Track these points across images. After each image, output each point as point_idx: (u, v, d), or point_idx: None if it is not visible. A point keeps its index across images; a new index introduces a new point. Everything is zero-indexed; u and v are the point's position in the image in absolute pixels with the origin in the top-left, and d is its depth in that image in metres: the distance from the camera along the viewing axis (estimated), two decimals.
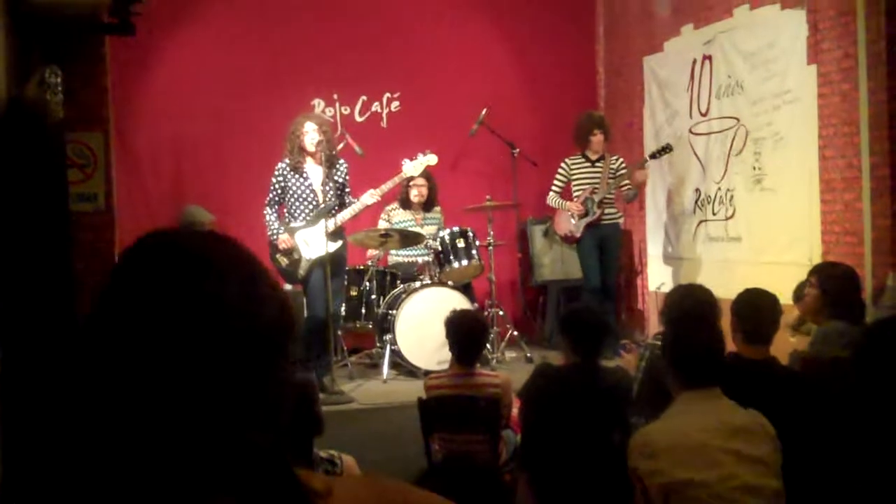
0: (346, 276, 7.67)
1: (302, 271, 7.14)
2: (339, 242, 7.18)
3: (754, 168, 7.50)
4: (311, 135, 7.07)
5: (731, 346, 4.14)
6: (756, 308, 4.12)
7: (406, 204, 8.49)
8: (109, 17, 4.77)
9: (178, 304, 1.05)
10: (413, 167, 7.57)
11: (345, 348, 8.02)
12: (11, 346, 3.28)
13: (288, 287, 7.34)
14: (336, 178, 7.19)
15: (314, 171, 7.16)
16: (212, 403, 1.03)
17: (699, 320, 3.75)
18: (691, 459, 3.11)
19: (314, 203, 7.15)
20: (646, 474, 3.13)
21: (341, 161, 7.32)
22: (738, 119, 7.69)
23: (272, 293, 1.12)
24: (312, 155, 7.13)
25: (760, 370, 3.92)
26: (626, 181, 8.27)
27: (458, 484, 2.07)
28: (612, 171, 8.30)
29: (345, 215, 7.14)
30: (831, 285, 4.91)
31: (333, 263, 7.09)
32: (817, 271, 5.10)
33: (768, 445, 3.23)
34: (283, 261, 7.18)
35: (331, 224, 7.04)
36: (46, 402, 3.43)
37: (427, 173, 8.25)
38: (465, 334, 4.78)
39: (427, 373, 6.48)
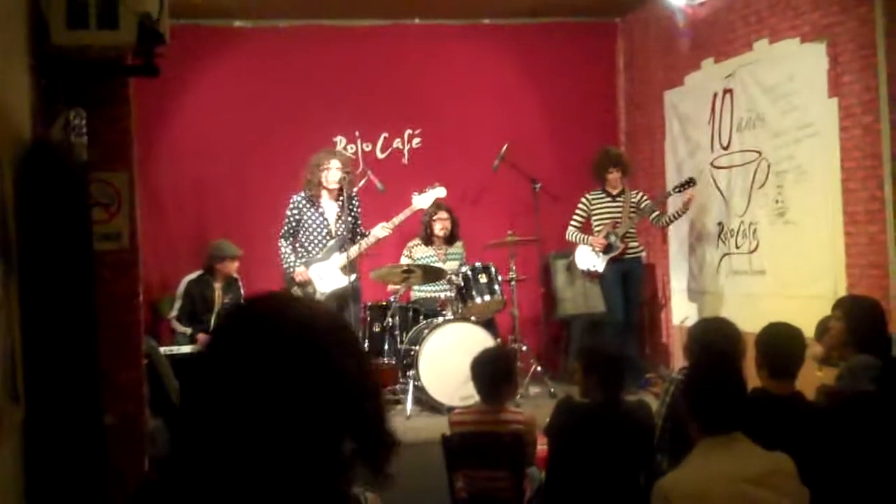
0: (360, 309, 7.64)
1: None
2: (353, 276, 7.20)
3: (777, 201, 7.48)
4: (333, 172, 7.17)
5: (755, 381, 4.12)
6: (780, 342, 4.09)
7: (428, 240, 8.52)
8: (133, 59, 4.82)
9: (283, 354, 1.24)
10: (423, 199, 7.60)
11: None
12: (36, 376, 3.30)
13: None
14: (351, 213, 7.29)
15: (329, 206, 7.26)
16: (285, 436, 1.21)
17: (720, 361, 3.62)
18: None
19: (328, 237, 7.25)
20: None
21: (355, 196, 7.40)
22: (759, 152, 7.67)
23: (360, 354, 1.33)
24: (330, 191, 7.21)
25: (786, 406, 3.88)
26: (656, 211, 8.28)
27: None
28: (634, 205, 8.29)
29: (357, 249, 7.17)
30: (856, 318, 4.85)
31: (348, 297, 7.14)
32: (842, 304, 5.05)
33: (793, 493, 3.12)
34: (299, 294, 7.22)
35: (344, 258, 7.11)
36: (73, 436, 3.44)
37: (447, 207, 8.35)
38: (490, 372, 4.74)
39: (451, 409, 6.45)
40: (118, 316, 4.72)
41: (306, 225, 7.30)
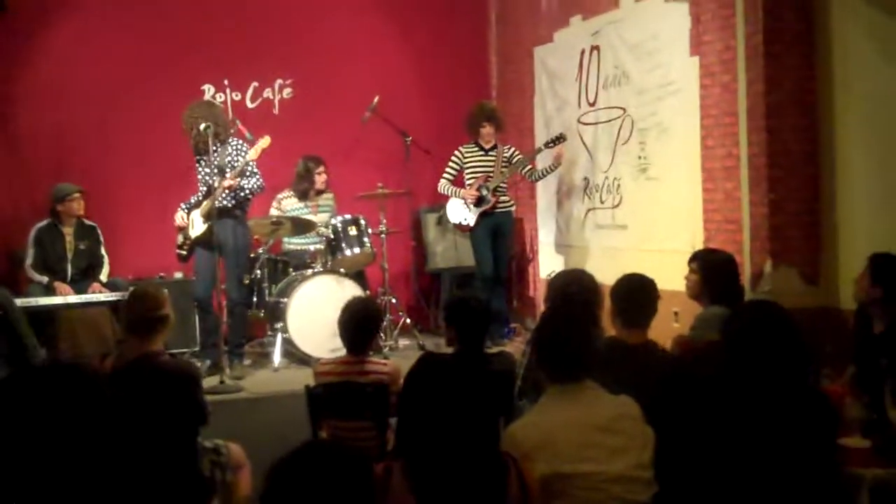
0: (237, 261, 7.49)
1: (185, 248, 7.44)
2: (206, 226, 7.21)
3: (640, 157, 7.66)
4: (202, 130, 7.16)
5: (612, 330, 4.25)
6: (633, 293, 4.22)
7: (304, 194, 8.47)
8: None
9: None
10: (253, 152, 7.45)
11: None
12: None
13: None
14: (226, 159, 7.24)
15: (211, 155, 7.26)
16: None
17: (566, 313, 3.67)
18: (562, 456, 3.07)
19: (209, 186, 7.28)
20: (521, 464, 3.06)
21: (232, 142, 7.38)
22: (624, 109, 7.83)
23: None
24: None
25: (638, 354, 4.01)
26: (528, 165, 8.38)
27: (322, 471, 2.06)
28: (506, 160, 8.36)
29: (211, 198, 7.17)
30: (710, 271, 5.08)
31: (214, 245, 7.12)
32: (697, 257, 5.26)
33: (638, 435, 3.21)
34: (179, 238, 7.47)
35: (203, 205, 7.28)
36: None
37: (322, 159, 8.37)
38: (354, 322, 4.76)
39: (319, 360, 6.46)
40: None
41: (197, 173, 7.47)
